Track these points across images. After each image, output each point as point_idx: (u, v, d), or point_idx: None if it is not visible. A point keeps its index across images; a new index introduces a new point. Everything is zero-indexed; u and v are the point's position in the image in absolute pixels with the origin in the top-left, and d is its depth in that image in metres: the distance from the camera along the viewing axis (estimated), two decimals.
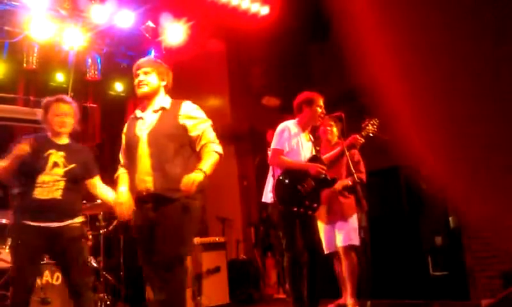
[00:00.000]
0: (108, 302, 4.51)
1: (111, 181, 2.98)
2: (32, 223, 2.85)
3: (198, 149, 2.72)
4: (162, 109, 2.77)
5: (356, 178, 3.71)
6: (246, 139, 6.73)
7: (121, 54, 6.31)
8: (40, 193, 2.88)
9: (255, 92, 6.76)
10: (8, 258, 3.31)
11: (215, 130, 2.79)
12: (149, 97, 2.81)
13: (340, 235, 3.94)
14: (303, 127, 3.71)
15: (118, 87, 7.00)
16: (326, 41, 5.48)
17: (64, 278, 3.12)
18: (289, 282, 3.47)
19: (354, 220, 3.98)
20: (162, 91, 2.85)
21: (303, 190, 3.48)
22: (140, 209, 2.69)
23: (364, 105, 3.11)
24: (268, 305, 5.46)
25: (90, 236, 4.51)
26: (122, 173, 2.83)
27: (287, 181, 3.49)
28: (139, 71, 2.82)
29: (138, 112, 2.85)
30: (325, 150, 3.98)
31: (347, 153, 3.69)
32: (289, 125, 3.65)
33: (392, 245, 4.79)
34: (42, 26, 5.22)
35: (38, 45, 5.61)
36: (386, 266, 4.65)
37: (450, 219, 4.69)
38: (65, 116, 3.09)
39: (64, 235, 2.93)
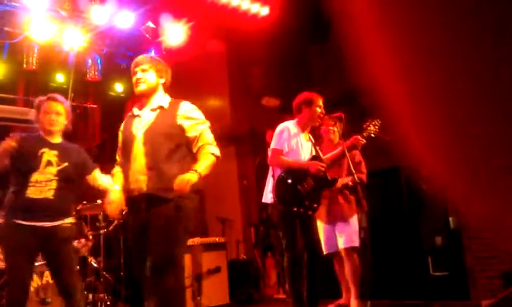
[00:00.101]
0: (108, 303, 4.52)
1: None
2: (24, 222, 2.82)
3: (195, 150, 2.68)
4: (160, 107, 2.72)
5: (356, 179, 3.71)
6: (246, 140, 6.73)
7: (122, 54, 6.31)
8: (32, 192, 2.85)
9: (255, 92, 6.76)
10: None
11: (214, 131, 2.77)
12: (147, 95, 2.76)
13: (341, 237, 3.93)
14: (302, 127, 3.71)
15: (118, 87, 7.01)
16: (326, 41, 5.48)
17: (55, 279, 3.08)
18: (289, 282, 3.47)
19: (354, 222, 3.97)
20: (160, 89, 2.80)
21: (303, 190, 3.48)
22: (132, 209, 2.66)
23: (364, 106, 3.11)
24: (268, 305, 5.45)
25: (90, 237, 4.51)
26: (117, 172, 2.80)
27: (286, 181, 3.49)
28: (136, 69, 2.77)
29: (136, 110, 2.80)
30: (327, 150, 3.97)
31: (347, 154, 3.69)
32: (289, 126, 3.66)
33: (392, 245, 4.78)
34: (42, 27, 5.23)
35: (38, 46, 5.62)
36: (386, 266, 4.65)
37: (451, 219, 4.69)
38: (56, 115, 3.06)
39: (57, 235, 2.92)
